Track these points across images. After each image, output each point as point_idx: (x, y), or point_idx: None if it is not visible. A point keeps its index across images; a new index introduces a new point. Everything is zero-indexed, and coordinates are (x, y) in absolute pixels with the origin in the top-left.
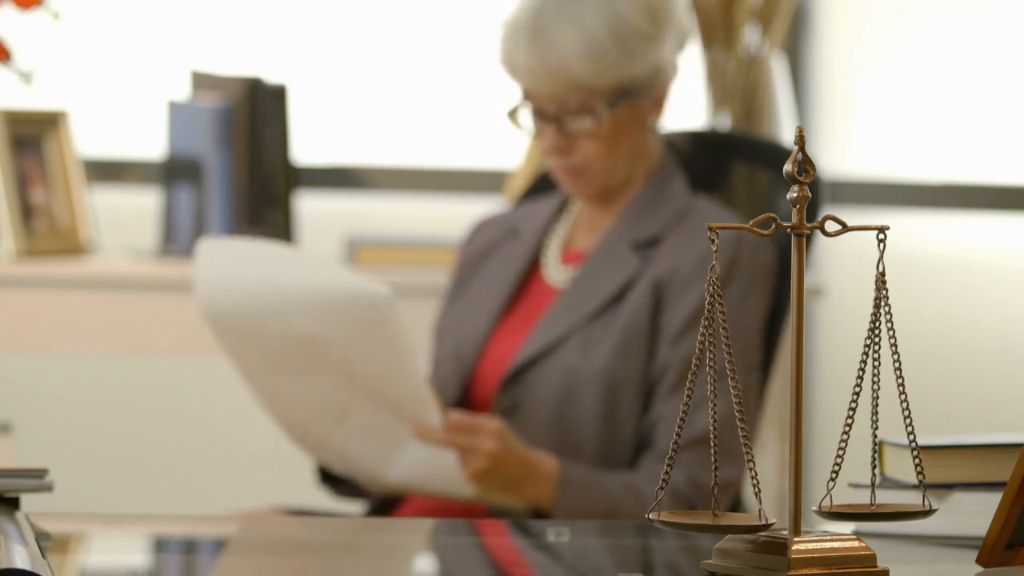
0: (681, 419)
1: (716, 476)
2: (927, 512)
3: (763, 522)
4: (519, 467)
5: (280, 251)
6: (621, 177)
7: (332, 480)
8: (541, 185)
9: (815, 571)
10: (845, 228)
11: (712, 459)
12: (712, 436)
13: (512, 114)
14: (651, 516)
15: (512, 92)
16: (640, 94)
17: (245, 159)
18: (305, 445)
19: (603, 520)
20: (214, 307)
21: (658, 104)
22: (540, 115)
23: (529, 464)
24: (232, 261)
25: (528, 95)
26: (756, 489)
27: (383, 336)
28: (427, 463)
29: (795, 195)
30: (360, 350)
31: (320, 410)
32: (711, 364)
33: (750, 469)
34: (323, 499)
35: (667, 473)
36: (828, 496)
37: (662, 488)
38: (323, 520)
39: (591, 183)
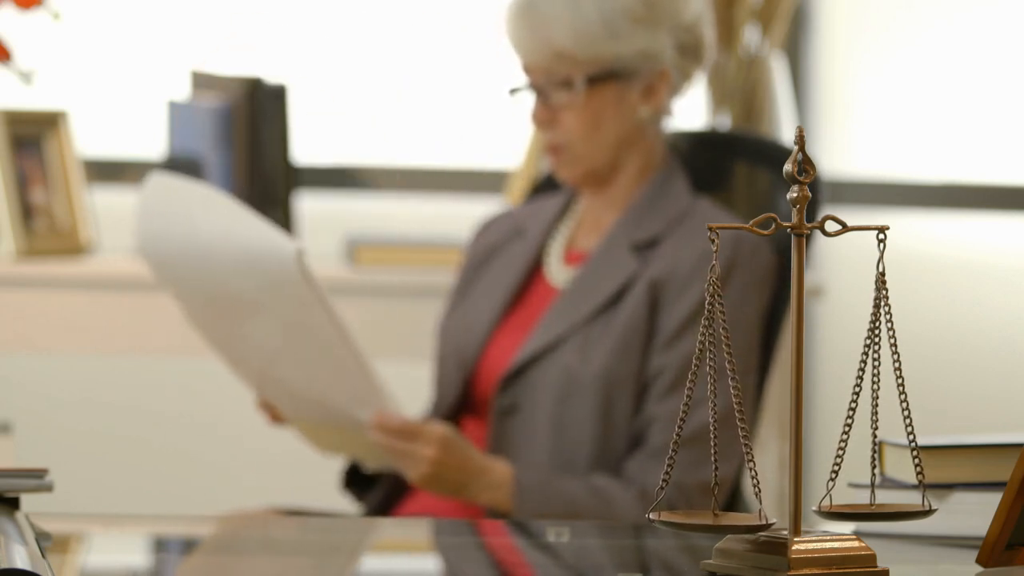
0: (682, 419)
1: (716, 476)
2: (927, 512)
3: (763, 522)
4: (466, 473)
5: (212, 198)
6: (605, 163)
7: (356, 484)
8: (545, 186)
9: (815, 571)
10: (845, 228)
11: (712, 458)
12: (712, 436)
13: (513, 92)
14: (651, 516)
15: (515, 77)
16: (626, 77)
17: (245, 159)
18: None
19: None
20: (148, 249)
21: (650, 95)
22: (530, 86)
23: (479, 470)
24: (171, 204)
25: (524, 70)
26: (756, 489)
27: (293, 292)
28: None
29: (795, 195)
30: (276, 303)
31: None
32: (711, 364)
33: (750, 469)
34: (322, 499)
35: (667, 473)
36: (828, 496)
37: (662, 488)
38: (321, 520)
39: (573, 163)
